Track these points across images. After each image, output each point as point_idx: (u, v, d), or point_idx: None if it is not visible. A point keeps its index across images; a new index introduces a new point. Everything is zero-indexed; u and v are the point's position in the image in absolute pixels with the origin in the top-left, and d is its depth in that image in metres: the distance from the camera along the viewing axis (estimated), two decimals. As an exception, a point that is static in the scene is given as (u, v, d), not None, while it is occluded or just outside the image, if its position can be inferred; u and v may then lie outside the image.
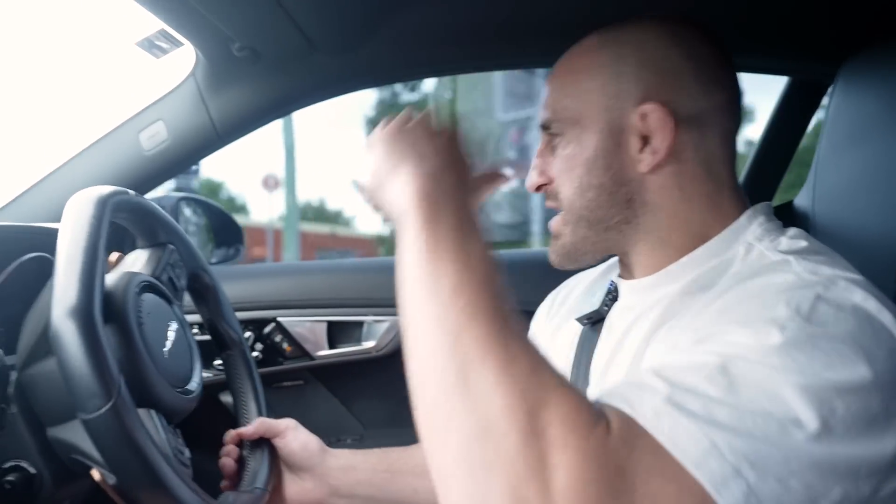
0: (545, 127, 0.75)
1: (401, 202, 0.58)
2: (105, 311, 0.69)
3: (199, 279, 0.97)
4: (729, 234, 0.70)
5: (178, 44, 1.06)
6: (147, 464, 0.65)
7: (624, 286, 0.77)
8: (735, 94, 0.74)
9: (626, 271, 0.78)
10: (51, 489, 0.75)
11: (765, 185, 1.37)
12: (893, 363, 0.51)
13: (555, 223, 0.77)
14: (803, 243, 0.66)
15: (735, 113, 0.74)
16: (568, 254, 0.76)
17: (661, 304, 0.69)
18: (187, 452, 0.77)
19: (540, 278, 0.94)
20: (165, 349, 0.79)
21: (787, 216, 1.27)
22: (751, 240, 0.68)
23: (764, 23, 1.06)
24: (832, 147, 1.04)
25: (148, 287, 0.81)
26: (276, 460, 0.94)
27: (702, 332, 0.56)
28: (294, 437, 0.93)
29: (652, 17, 0.73)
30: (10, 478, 0.73)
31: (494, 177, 0.73)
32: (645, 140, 0.70)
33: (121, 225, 0.85)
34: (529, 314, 0.96)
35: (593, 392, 0.71)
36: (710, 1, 1.00)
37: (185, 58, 1.12)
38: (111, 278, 0.77)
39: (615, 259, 0.88)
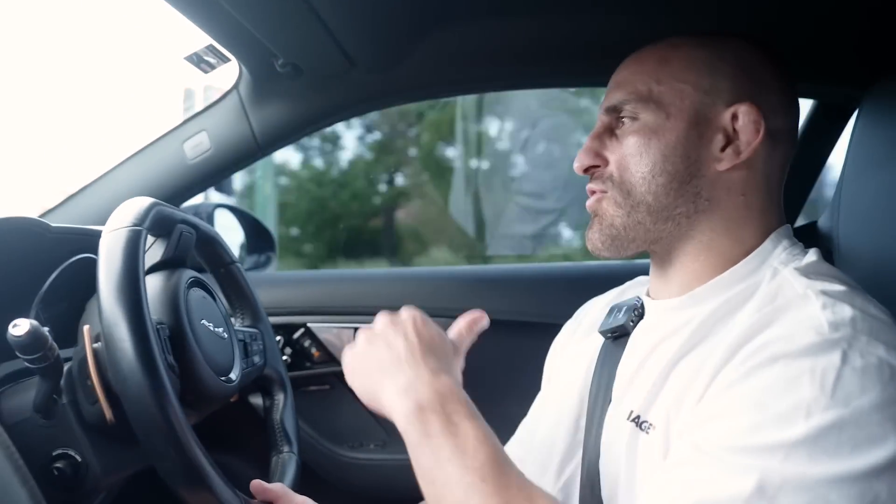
0: (614, 109, 0.75)
1: (394, 416, 0.67)
2: (160, 301, 0.76)
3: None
4: (755, 258, 0.71)
5: (224, 59, 1.11)
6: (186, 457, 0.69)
7: (650, 305, 0.78)
8: (798, 122, 0.77)
9: (657, 286, 0.78)
10: (96, 477, 0.79)
11: (789, 206, 1.38)
12: None
13: (600, 203, 0.75)
14: (820, 266, 0.68)
15: (796, 139, 0.77)
16: (614, 238, 0.75)
17: (689, 327, 0.69)
18: None
19: (566, 292, 0.97)
20: (211, 340, 0.84)
21: (811, 236, 1.28)
22: (776, 264, 0.69)
23: (791, 46, 1.07)
24: (856, 169, 1.05)
25: (196, 283, 0.86)
26: None
27: (727, 406, 0.58)
28: None
29: (741, 33, 0.76)
30: (58, 465, 0.77)
31: (471, 325, 0.78)
32: (728, 140, 0.72)
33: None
34: (557, 327, 0.99)
35: (615, 410, 0.73)
36: (736, 23, 1.03)
37: (230, 72, 1.18)
38: (162, 277, 0.82)
39: (635, 280, 0.90)
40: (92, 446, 0.79)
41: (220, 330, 0.88)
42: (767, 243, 0.72)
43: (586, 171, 0.76)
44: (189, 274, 0.86)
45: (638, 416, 0.69)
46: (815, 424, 0.52)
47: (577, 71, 1.16)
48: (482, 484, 0.59)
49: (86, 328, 0.76)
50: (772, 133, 0.72)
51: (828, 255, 1.12)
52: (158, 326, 0.76)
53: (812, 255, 0.70)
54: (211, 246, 0.97)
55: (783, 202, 0.78)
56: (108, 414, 0.75)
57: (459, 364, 0.76)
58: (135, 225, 0.76)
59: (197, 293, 0.86)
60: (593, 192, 0.76)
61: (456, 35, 1.07)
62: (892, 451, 0.51)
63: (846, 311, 0.59)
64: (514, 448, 0.97)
